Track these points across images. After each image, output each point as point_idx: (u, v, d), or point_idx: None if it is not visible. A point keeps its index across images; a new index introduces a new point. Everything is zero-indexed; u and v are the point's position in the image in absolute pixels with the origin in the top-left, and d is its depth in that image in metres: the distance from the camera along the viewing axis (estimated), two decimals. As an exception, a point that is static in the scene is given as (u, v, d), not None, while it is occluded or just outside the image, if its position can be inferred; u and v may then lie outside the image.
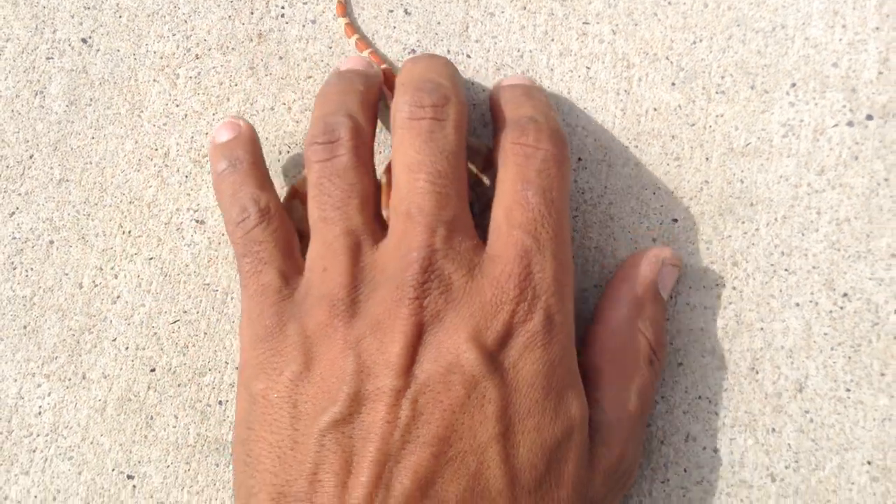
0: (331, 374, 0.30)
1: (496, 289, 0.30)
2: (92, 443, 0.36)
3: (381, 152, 0.38)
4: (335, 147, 0.33)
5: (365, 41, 0.38)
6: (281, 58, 0.39)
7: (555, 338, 0.30)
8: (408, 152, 0.32)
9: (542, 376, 0.30)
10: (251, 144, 0.35)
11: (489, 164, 0.36)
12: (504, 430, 0.29)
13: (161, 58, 0.39)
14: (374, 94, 0.35)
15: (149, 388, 0.36)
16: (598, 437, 0.31)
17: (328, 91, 0.35)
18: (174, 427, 0.36)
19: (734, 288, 0.35)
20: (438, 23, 0.38)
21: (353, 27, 0.39)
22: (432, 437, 0.28)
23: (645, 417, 0.32)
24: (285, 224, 0.34)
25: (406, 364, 0.29)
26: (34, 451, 0.36)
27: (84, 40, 0.40)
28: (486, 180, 0.36)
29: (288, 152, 0.38)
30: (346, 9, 0.39)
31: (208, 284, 0.37)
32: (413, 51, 0.38)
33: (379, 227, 0.33)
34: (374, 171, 0.34)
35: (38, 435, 0.36)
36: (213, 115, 0.39)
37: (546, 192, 0.31)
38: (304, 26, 0.39)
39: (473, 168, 0.36)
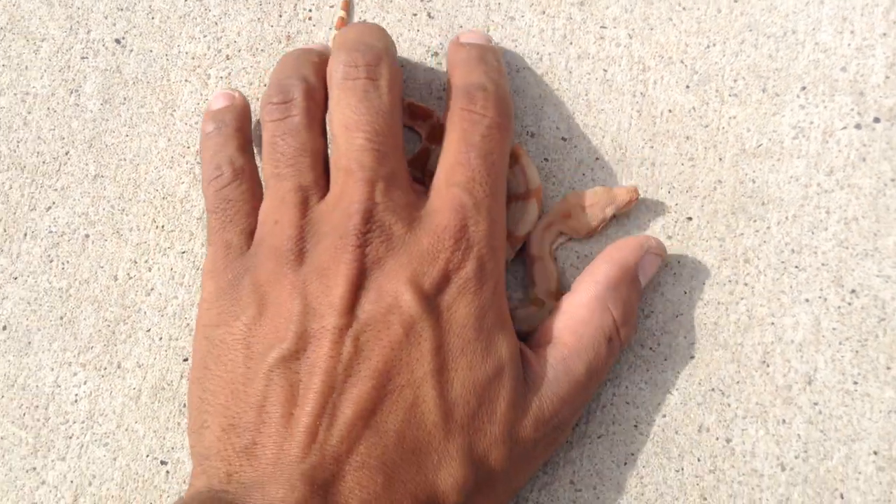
0: (279, 316, 0.32)
1: (433, 239, 0.32)
2: (126, 430, 0.37)
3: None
4: (289, 107, 0.35)
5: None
6: (308, 59, 0.40)
7: (486, 284, 0.33)
8: (345, 112, 0.34)
9: (474, 318, 0.32)
10: (240, 112, 0.37)
11: (434, 130, 0.38)
12: (439, 367, 0.31)
13: (193, 58, 0.41)
14: (325, 67, 0.36)
15: (182, 376, 0.38)
16: (535, 387, 0.32)
17: (285, 59, 0.37)
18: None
19: (746, 284, 0.36)
20: (461, 26, 0.40)
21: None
22: (373, 371, 0.31)
23: (589, 388, 0.34)
24: (256, 187, 0.36)
25: (348, 305, 0.31)
26: (70, 438, 0.37)
27: (118, 41, 0.41)
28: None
29: (315, 151, 0.39)
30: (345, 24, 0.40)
31: (239, 278, 0.38)
32: (436, 53, 0.40)
33: (326, 183, 0.35)
34: (325, 131, 0.36)
35: (75, 422, 0.37)
36: (243, 114, 0.40)
37: (487, 155, 0.34)
38: (330, 29, 0.40)
39: (421, 132, 0.39)
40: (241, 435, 0.31)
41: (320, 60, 0.37)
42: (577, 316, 0.34)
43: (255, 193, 0.36)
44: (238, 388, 0.32)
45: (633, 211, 0.37)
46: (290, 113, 0.35)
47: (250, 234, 0.35)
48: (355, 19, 0.40)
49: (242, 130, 0.37)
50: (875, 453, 0.34)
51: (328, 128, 0.35)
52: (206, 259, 0.35)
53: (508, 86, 0.37)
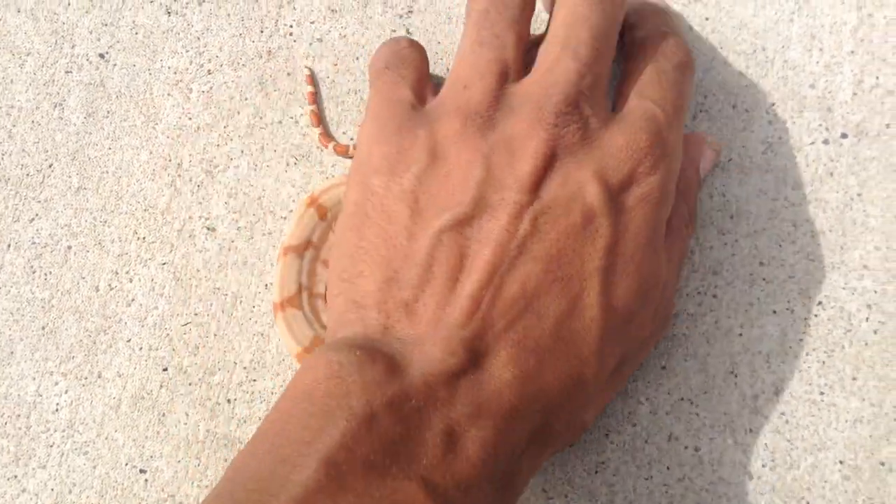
0: (458, 176, 0.31)
1: (629, 138, 0.32)
2: (106, 438, 0.38)
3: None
4: None
5: (328, 136, 0.40)
6: (289, 74, 0.41)
7: (667, 197, 0.32)
8: (579, 8, 0.33)
9: (650, 228, 0.32)
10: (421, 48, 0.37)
11: None
12: (608, 266, 0.31)
13: (175, 73, 0.41)
14: None
15: (161, 386, 0.38)
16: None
17: None
18: (185, 424, 0.38)
19: (714, 296, 0.37)
20: (438, 42, 0.41)
21: (318, 117, 0.40)
22: (545, 254, 0.30)
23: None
24: (425, 62, 0.36)
25: (534, 182, 0.31)
26: (51, 447, 0.38)
27: (102, 55, 0.42)
28: None
29: (295, 164, 0.40)
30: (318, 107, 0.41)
31: (218, 288, 0.39)
32: (414, 69, 0.40)
33: (524, 70, 0.34)
34: (530, 25, 0.35)
35: (55, 430, 0.38)
36: (224, 127, 0.41)
37: (677, 83, 0.34)
38: (310, 44, 0.41)
39: None
40: (403, 289, 0.30)
41: None
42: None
43: (426, 66, 0.36)
44: (402, 243, 0.31)
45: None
46: None
47: (421, 97, 0.34)
48: (335, 35, 0.41)
49: (421, 49, 0.37)
50: (841, 462, 0.35)
51: (550, 19, 0.35)
52: (368, 114, 0.34)
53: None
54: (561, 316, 0.30)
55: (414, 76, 0.35)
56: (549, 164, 0.31)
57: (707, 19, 0.40)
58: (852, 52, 0.39)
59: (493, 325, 0.29)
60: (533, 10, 0.35)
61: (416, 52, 0.36)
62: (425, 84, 0.35)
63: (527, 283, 0.30)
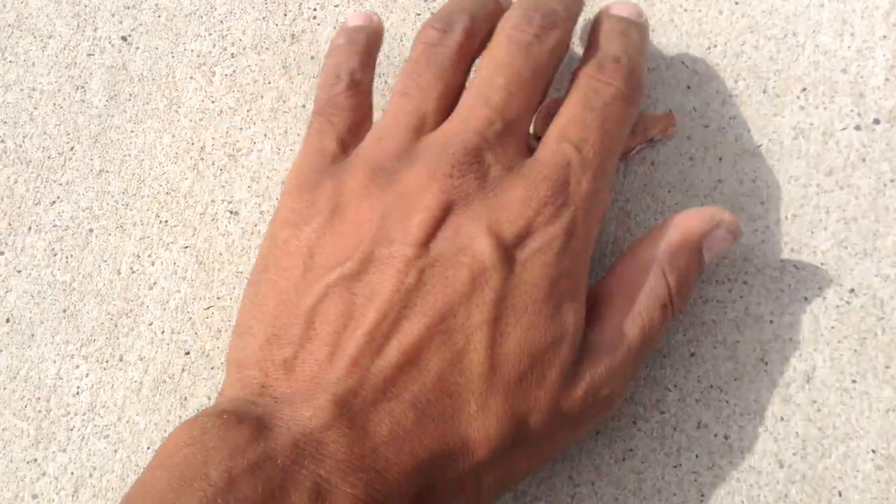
0: (353, 231, 0.31)
1: (529, 187, 0.31)
2: (128, 422, 0.37)
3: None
4: (445, 37, 0.34)
5: None
6: (312, 57, 0.41)
7: (571, 249, 0.31)
8: (498, 53, 0.33)
9: (548, 280, 0.30)
10: (373, 34, 0.37)
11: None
12: (496, 318, 0.30)
13: (198, 56, 0.41)
14: (494, 19, 0.36)
15: (183, 370, 0.38)
16: (588, 355, 0.31)
17: None
18: (207, 408, 0.37)
19: (745, 283, 0.36)
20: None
21: None
22: (429, 308, 0.29)
23: (641, 356, 0.32)
24: (366, 107, 0.36)
25: (423, 237, 0.30)
26: (71, 430, 0.38)
27: (124, 38, 0.42)
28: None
29: (318, 148, 0.40)
30: None
31: (241, 272, 0.39)
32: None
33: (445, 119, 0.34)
34: (468, 74, 0.35)
35: (76, 414, 0.38)
36: (248, 111, 0.40)
37: (605, 121, 0.33)
38: (334, 27, 0.41)
39: None
40: (284, 347, 0.30)
41: (496, 8, 0.36)
42: (630, 278, 0.33)
43: (363, 112, 0.35)
44: (290, 299, 0.31)
45: (633, 209, 0.37)
46: (444, 42, 0.34)
47: (346, 148, 0.34)
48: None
49: (370, 51, 0.37)
50: (873, 451, 0.34)
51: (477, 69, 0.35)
52: (294, 163, 0.34)
53: (645, 64, 0.36)
54: (445, 370, 0.29)
55: (344, 125, 0.34)
56: (441, 216, 0.31)
57: (737, 3, 0.39)
58: (884, 36, 0.38)
59: (371, 381, 0.29)
60: (470, 58, 0.35)
61: (352, 99, 0.35)
62: (357, 131, 0.35)
63: (409, 337, 0.29)
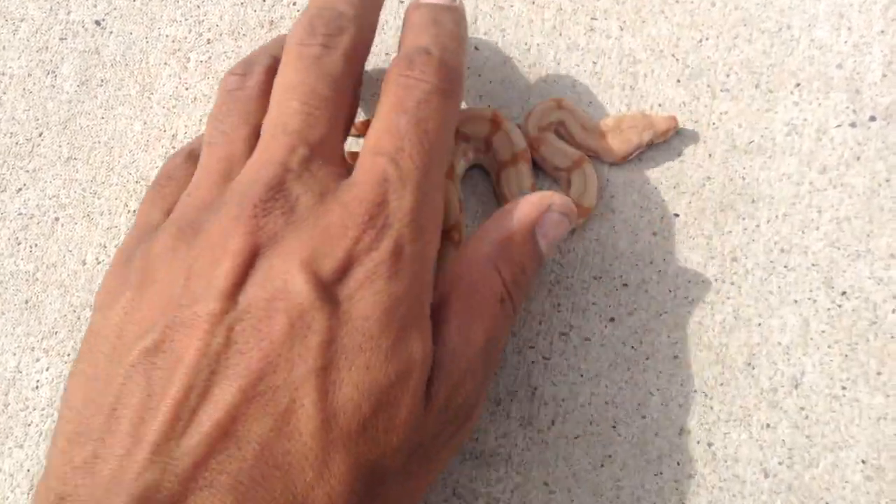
0: (158, 299, 0.27)
1: (344, 213, 0.28)
2: (88, 418, 0.36)
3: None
4: (245, 79, 0.32)
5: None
6: (290, 45, 0.39)
7: (402, 270, 0.28)
8: (287, 74, 0.31)
9: (382, 310, 0.27)
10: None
11: (496, 127, 0.36)
12: (325, 365, 0.26)
13: (173, 41, 0.40)
14: None
15: (147, 365, 0.36)
16: (434, 371, 0.28)
17: (266, 43, 0.35)
18: None
19: (733, 283, 0.35)
20: (447, 15, 0.39)
21: None
22: (244, 369, 0.25)
23: (490, 357, 0.30)
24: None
25: (230, 288, 0.26)
26: (29, 426, 0.36)
27: (97, 22, 0.40)
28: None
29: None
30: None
31: (210, 265, 0.37)
32: (421, 41, 0.39)
33: None
34: None
35: (35, 409, 0.36)
36: (222, 98, 0.39)
37: (421, 122, 0.30)
38: (314, 15, 0.39)
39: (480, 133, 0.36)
40: (84, 446, 0.26)
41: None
42: (465, 279, 0.30)
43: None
44: (94, 388, 0.27)
45: (619, 205, 0.36)
46: (246, 84, 0.32)
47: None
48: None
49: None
50: (863, 462, 0.33)
51: None
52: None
53: (463, 50, 0.32)
54: (268, 438, 0.25)
55: (174, 196, 0.31)
56: (249, 260, 0.27)
57: (730, -5, 0.38)
58: (882, 31, 0.37)
59: (175, 469, 0.24)
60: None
61: (189, 169, 0.32)
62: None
63: (221, 408, 0.25)
